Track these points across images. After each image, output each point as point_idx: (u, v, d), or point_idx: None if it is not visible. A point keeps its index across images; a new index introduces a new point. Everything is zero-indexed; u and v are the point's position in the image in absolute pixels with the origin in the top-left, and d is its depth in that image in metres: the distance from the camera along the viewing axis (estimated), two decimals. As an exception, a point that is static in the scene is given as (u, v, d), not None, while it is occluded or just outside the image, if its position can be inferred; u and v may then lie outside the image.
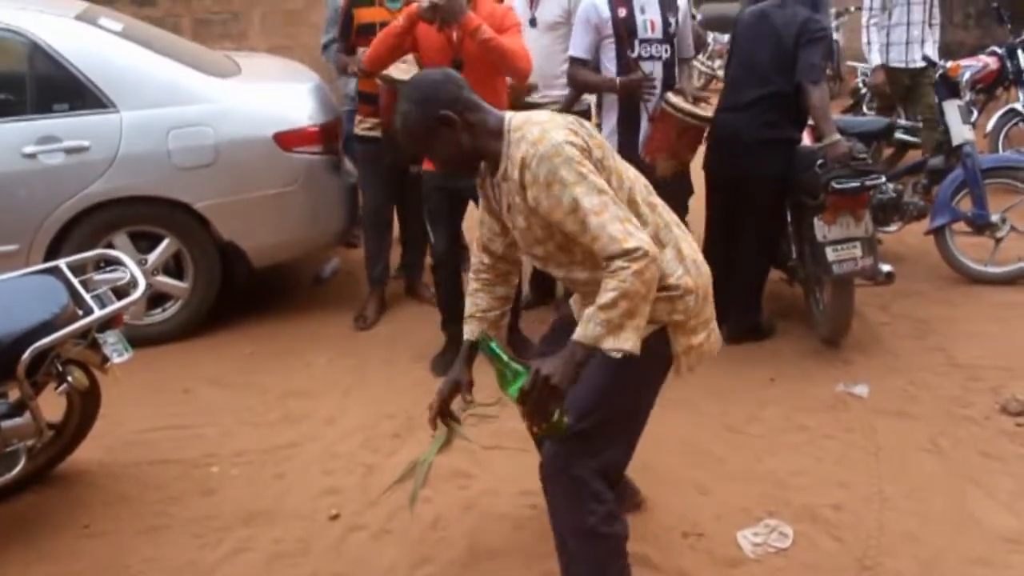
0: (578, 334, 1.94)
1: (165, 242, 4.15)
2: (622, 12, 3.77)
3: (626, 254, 1.90)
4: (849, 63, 8.83)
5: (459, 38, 3.51)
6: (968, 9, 9.79)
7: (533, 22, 4.20)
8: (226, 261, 4.30)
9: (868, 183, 3.77)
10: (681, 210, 3.78)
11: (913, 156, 6.57)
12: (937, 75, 5.02)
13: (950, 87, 4.94)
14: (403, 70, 3.75)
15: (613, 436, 2.17)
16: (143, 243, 4.14)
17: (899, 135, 5.87)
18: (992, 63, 6.81)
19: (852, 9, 10.62)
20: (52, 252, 3.98)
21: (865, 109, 7.23)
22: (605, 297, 1.90)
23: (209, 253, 4.21)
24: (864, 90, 7.38)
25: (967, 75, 5.12)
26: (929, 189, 5.03)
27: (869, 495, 2.93)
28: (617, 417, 2.15)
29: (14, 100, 4.04)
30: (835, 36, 10.38)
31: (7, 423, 2.83)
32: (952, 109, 4.85)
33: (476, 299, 2.37)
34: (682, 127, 3.76)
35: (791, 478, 3.05)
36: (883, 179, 4.10)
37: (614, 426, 2.16)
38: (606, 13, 3.77)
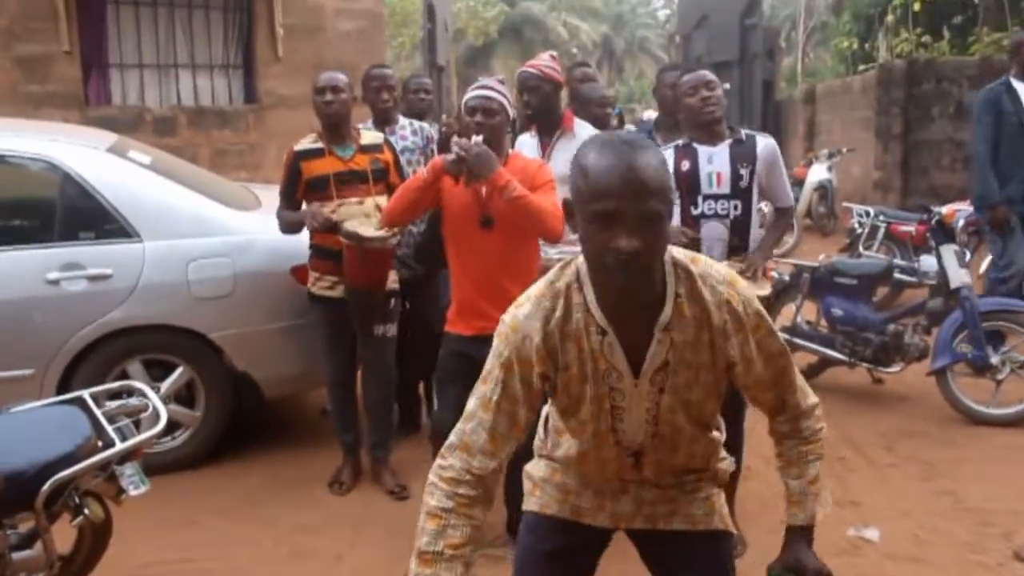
0: (801, 517, 1.81)
1: (179, 370, 4.19)
2: (685, 166, 3.39)
3: (816, 407, 1.82)
4: (844, 204, 9.12)
5: (488, 194, 3.19)
6: (954, 154, 10.19)
7: None
8: (238, 391, 4.32)
9: None
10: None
11: (911, 296, 6.74)
12: (934, 221, 5.20)
13: (946, 232, 5.12)
14: (369, 224, 3.59)
15: None
16: (156, 370, 4.18)
17: (898, 275, 6.03)
18: (982, 208, 7.05)
19: (844, 151, 11.07)
20: (67, 377, 4.01)
21: (861, 249, 7.44)
22: (812, 470, 1.81)
23: (222, 382, 4.25)
24: (859, 230, 7.61)
25: (961, 222, 5.30)
26: (929, 330, 5.13)
27: (888, 646, 2.89)
28: None
29: (42, 227, 4.14)
30: (828, 176, 10.78)
31: (18, 555, 2.79)
32: (948, 253, 5.01)
33: (448, 526, 1.73)
34: None
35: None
36: None
37: None
38: (670, 168, 3.54)
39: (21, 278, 3.97)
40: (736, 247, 3.41)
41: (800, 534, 1.82)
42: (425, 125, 4.70)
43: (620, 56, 43.64)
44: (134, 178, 4.26)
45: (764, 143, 3.49)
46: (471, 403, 1.81)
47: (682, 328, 1.69)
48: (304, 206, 3.88)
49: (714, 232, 3.37)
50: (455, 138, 3.20)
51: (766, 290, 3.40)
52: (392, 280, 3.93)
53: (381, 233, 3.54)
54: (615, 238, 1.55)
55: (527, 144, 3.95)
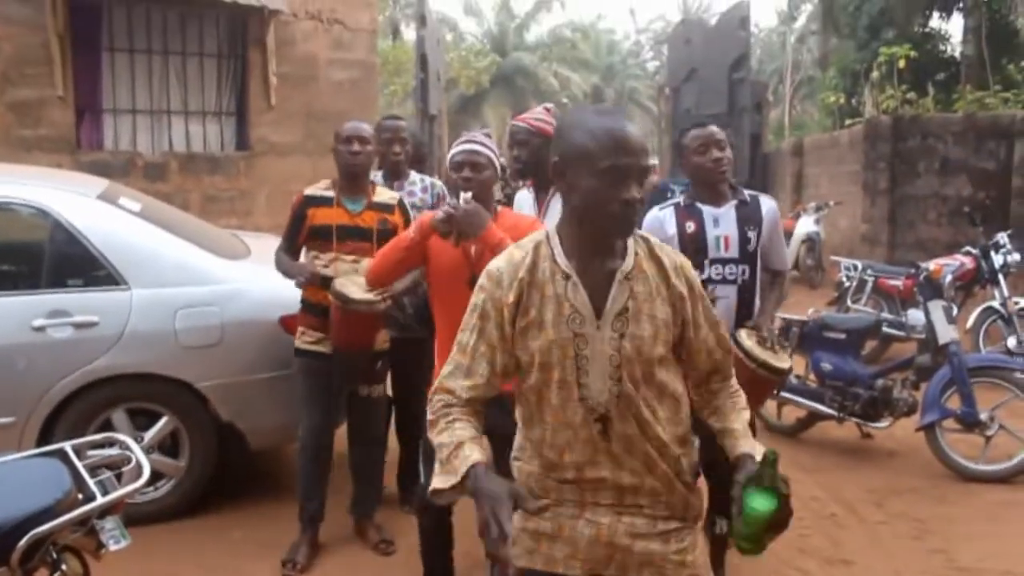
0: (749, 448, 1.93)
1: (163, 420, 4.13)
2: (690, 227, 3.26)
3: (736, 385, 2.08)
4: (832, 257, 9.18)
5: (478, 253, 3.00)
6: (941, 208, 10.31)
7: None
8: (223, 442, 4.26)
9: None
10: None
11: (898, 349, 6.76)
12: (922, 277, 5.23)
13: (934, 288, 5.15)
14: (358, 285, 3.42)
15: None
16: (141, 419, 4.12)
17: (886, 329, 6.06)
18: (968, 262, 7.12)
19: (831, 204, 11.18)
20: (48, 425, 3.95)
21: (849, 303, 7.47)
22: (746, 415, 2.01)
23: (207, 433, 4.19)
24: (847, 283, 7.65)
25: (949, 277, 5.34)
26: (917, 385, 5.14)
27: None
28: None
29: (30, 273, 4.11)
30: (816, 229, 10.88)
31: (-8, 612, 2.73)
32: (936, 309, 5.04)
33: (459, 427, 1.91)
34: (749, 376, 3.02)
35: None
36: None
37: None
38: (672, 230, 3.29)
39: (6, 324, 3.92)
40: (743, 314, 3.30)
41: (748, 459, 1.90)
42: (437, 182, 4.58)
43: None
44: (123, 225, 4.24)
45: (768, 205, 3.43)
46: (451, 353, 2.00)
47: (642, 280, 1.89)
48: (304, 252, 3.83)
49: (723, 300, 3.24)
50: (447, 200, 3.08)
51: (787, 363, 3.22)
52: (383, 340, 3.83)
53: (368, 296, 3.39)
54: (627, 190, 1.80)
55: (525, 200, 3.87)
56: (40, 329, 3.95)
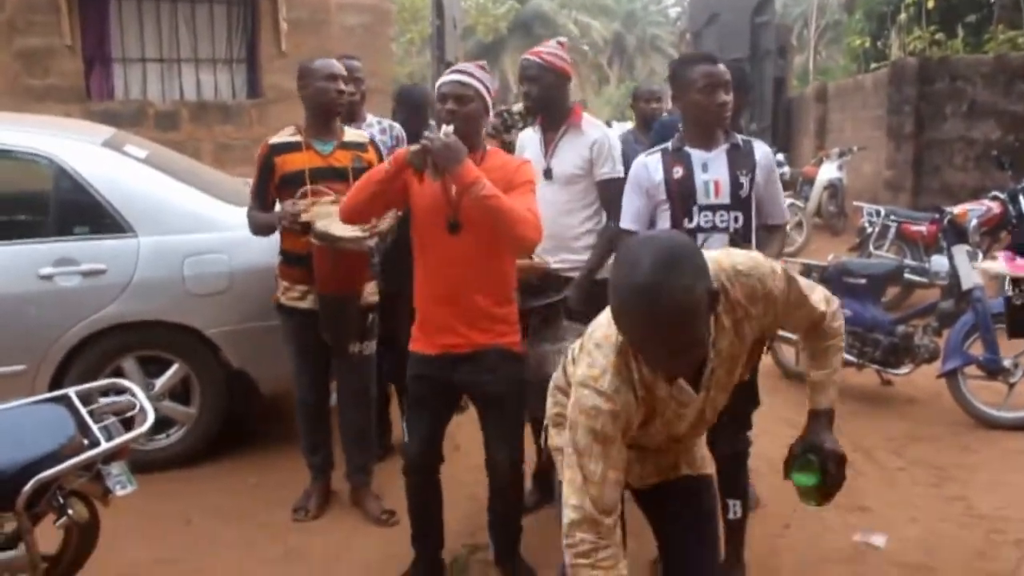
0: (824, 402, 2.10)
1: (174, 367, 4.13)
2: (678, 172, 3.04)
3: (833, 310, 2.08)
4: (854, 203, 9.00)
5: (459, 193, 2.80)
6: (968, 153, 10.06)
7: (548, 173, 3.59)
8: (233, 388, 4.25)
9: None
10: (745, 422, 3.18)
11: (921, 297, 6.64)
12: (946, 221, 5.10)
13: (958, 232, 5.02)
14: (341, 224, 3.18)
15: None
16: (151, 367, 4.12)
17: (908, 276, 5.93)
18: (995, 207, 6.95)
19: (854, 149, 10.95)
20: (60, 374, 3.95)
21: (871, 249, 7.33)
22: (835, 360, 2.09)
23: (217, 379, 4.18)
24: (870, 229, 7.50)
25: (974, 221, 5.20)
26: (939, 331, 5.03)
27: (895, 658, 2.80)
28: None
29: (35, 222, 4.11)
30: (839, 175, 10.67)
31: (1, 555, 2.73)
32: (960, 254, 4.92)
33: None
34: None
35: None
36: None
37: None
38: (658, 176, 3.06)
39: (14, 273, 3.91)
40: None
41: (822, 417, 2.07)
42: (395, 124, 4.42)
43: (631, 54, 43.45)
44: (129, 173, 4.19)
45: (762, 150, 3.16)
46: (574, 476, 1.84)
47: (723, 336, 1.88)
48: (277, 206, 3.56)
49: (714, 247, 2.95)
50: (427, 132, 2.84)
51: None
52: (370, 292, 3.68)
53: (355, 233, 3.23)
54: (659, 364, 1.77)
55: (530, 139, 3.75)
56: (47, 278, 3.93)
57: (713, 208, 3.02)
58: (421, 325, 3.03)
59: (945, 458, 4.34)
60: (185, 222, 4.14)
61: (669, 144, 3.12)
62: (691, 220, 3.02)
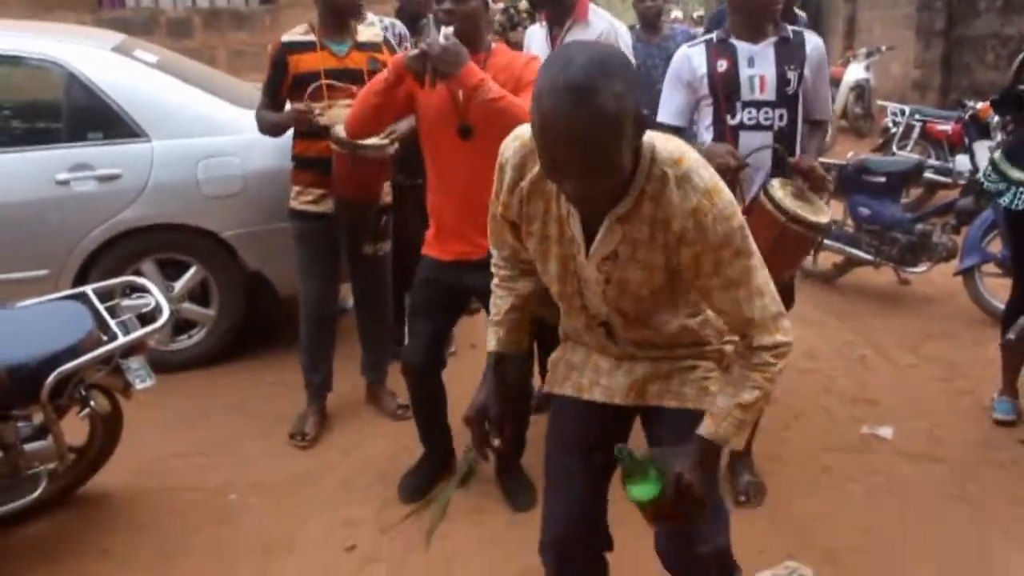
0: (710, 431, 1.70)
1: (192, 270, 4.20)
2: (722, 66, 2.87)
3: (776, 348, 1.67)
4: (879, 102, 8.81)
5: (466, 97, 2.72)
6: (999, 51, 9.75)
7: None
8: (251, 289, 4.33)
9: None
10: None
11: (942, 196, 6.54)
12: (967, 116, 5.00)
13: (980, 128, 4.93)
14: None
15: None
16: (170, 270, 4.19)
17: (928, 175, 5.84)
18: (1023, 104, 6.76)
19: (883, 49, 10.64)
20: (81, 278, 4.03)
21: (895, 148, 7.21)
22: (748, 395, 1.68)
23: (235, 281, 4.26)
24: (893, 129, 7.36)
25: (996, 116, 5.07)
26: (958, 230, 4.99)
27: (892, 540, 2.88)
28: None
29: (50, 128, 4.13)
30: (866, 76, 10.41)
31: (29, 446, 2.86)
32: (982, 150, 4.85)
33: (498, 299, 1.99)
34: (779, 232, 2.70)
35: (813, 520, 3.00)
36: None
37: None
38: (702, 69, 2.90)
39: (31, 179, 3.96)
40: (782, 162, 2.90)
41: (700, 444, 1.70)
42: (397, 22, 4.33)
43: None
44: (140, 77, 4.20)
45: (814, 43, 2.96)
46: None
47: (637, 223, 1.63)
48: (288, 106, 3.48)
49: (755, 144, 2.86)
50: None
51: (825, 216, 2.80)
52: (386, 193, 3.64)
53: (377, 141, 3.19)
54: (563, 184, 1.53)
55: (536, 36, 3.72)
56: (64, 183, 3.98)
57: (757, 104, 2.87)
58: (436, 232, 3.00)
59: (957, 354, 4.36)
60: (197, 125, 4.15)
61: (714, 35, 2.96)
62: (734, 116, 2.89)
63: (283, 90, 3.49)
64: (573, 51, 1.49)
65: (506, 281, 1.98)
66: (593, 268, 1.71)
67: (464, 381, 3.26)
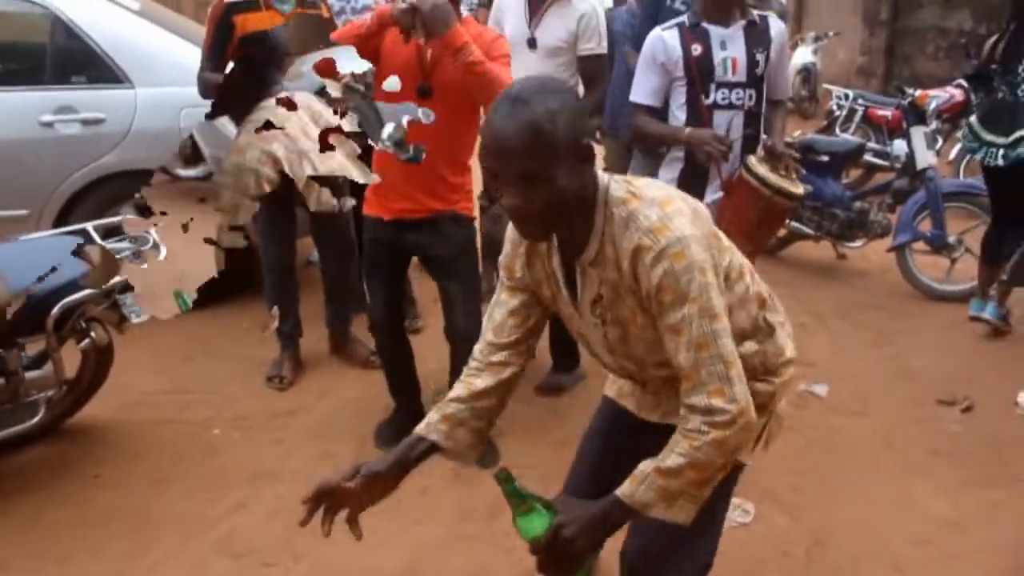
0: (624, 491, 1.57)
1: (171, 216, 4.31)
2: (697, 49, 3.00)
3: (708, 413, 1.52)
4: (824, 86, 9.17)
5: (433, 58, 2.77)
6: (939, 42, 10.19)
7: (532, 43, 3.56)
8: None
9: None
10: None
11: (881, 179, 6.93)
12: (906, 103, 5.33)
13: (917, 114, 5.27)
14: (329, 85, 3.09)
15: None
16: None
17: (868, 157, 6.20)
18: (958, 95, 7.15)
19: (830, 34, 11.01)
20: (60, 221, 4.13)
21: (838, 131, 7.57)
22: (669, 461, 1.53)
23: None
24: (837, 112, 7.72)
25: (933, 104, 5.43)
26: (893, 208, 5.34)
27: (824, 480, 3.20)
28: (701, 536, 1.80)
29: (34, 70, 4.20)
30: (813, 60, 10.77)
31: (30, 374, 3.01)
32: (918, 135, 5.17)
33: (456, 387, 1.81)
34: (765, 205, 2.94)
35: (755, 464, 3.27)
36: None
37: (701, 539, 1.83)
38: (677, 52, 3.01)
39: (15, 119, 4.05)
40: (752, 140, 3.09)
41: (606, 503, 1.59)
42: None
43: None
44: (124, 23, 4.29)
45: (778, 27, 3.15)
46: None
47: (606, 267, 1.60)
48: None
49: (727, 122, 3.02)
50: None
51: (801, 188, 3.04)
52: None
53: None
54: (503, 198, 1.54)
55: (511, 5, 3.65)
56: (48, 124, 4.07)
57: (730, 86, 3.02)
58: (376, 188, 3.06)
59: (886, 324, 4.72)
60: (180, 74, 4.20)
61: (685, 18, 3.09)
62: (708, 97, 3.02)
63: (228, 51, 3.47)
64: (527, 78, 1.63)
65: (469, 372, 1.80)
66: (587, 313, 1.69)
67: (434, 335, 3.48)
